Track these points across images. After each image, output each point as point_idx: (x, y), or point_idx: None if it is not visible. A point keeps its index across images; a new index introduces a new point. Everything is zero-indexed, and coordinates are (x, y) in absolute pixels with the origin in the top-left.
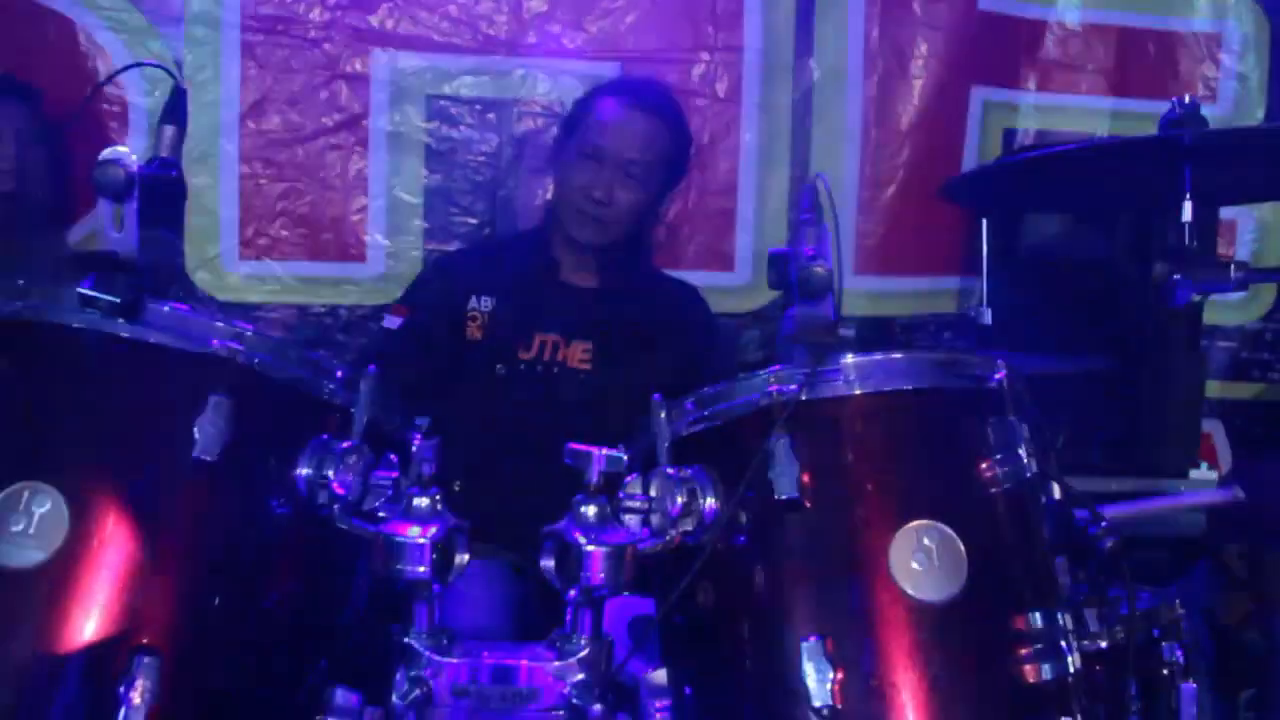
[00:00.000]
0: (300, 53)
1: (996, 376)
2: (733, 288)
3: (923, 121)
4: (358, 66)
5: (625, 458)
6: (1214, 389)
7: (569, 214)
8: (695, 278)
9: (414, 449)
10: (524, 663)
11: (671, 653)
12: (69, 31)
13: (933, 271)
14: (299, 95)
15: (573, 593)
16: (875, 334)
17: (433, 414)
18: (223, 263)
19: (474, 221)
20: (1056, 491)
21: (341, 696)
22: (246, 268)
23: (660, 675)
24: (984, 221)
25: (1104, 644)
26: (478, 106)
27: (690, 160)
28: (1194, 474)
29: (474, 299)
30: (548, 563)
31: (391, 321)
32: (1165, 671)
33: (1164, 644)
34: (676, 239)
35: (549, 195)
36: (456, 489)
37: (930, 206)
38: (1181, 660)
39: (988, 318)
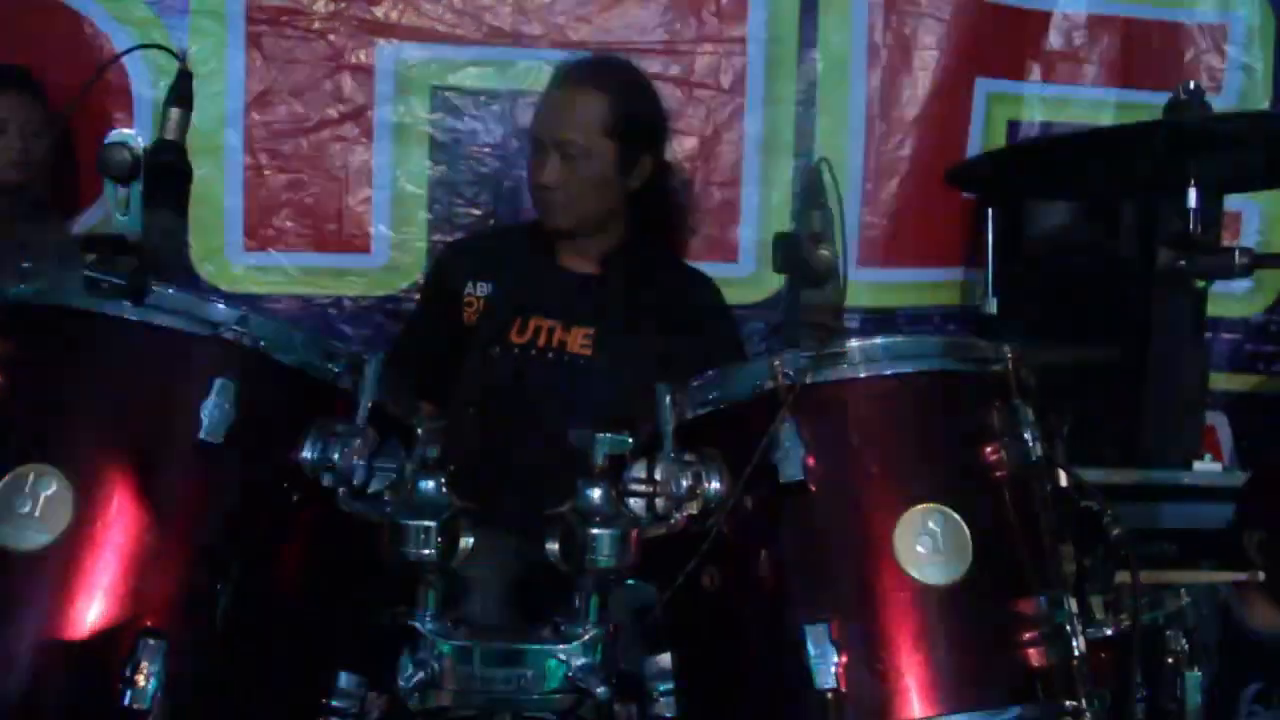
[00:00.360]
0: (305, 44)
1: (1002, 361)
2: (737, 279)
3: (927, 113)
4: (362, 58)
5: (630, 440)
6: (1218, 381)
7: (534, 205)
8: (702, 269)
9: (419, 432)
10: (529, 646)
11: (676, 637)
12: (74, 23)
13: (936, 263)
14: (303, 87)
15: (578, 576)
16: (878, 326)
17: (436, 400)
18: (227, 254)
19: (478, 213)
20: (1063, 479)
21: (346, 680)
22: (251, 259)
23: (664, 659)
24: (990, 211)
25: (1109, 631)
26: (482, 97)
27: (657, 126)
28: (1198, 465)
29: (471, 284)
30: (552, 546)
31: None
32: (1170, 659)
33: (1169, 632)
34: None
35: None
36: (451, 470)
37: (934, 198)
38: (1187, 648)
39: (993, 307)
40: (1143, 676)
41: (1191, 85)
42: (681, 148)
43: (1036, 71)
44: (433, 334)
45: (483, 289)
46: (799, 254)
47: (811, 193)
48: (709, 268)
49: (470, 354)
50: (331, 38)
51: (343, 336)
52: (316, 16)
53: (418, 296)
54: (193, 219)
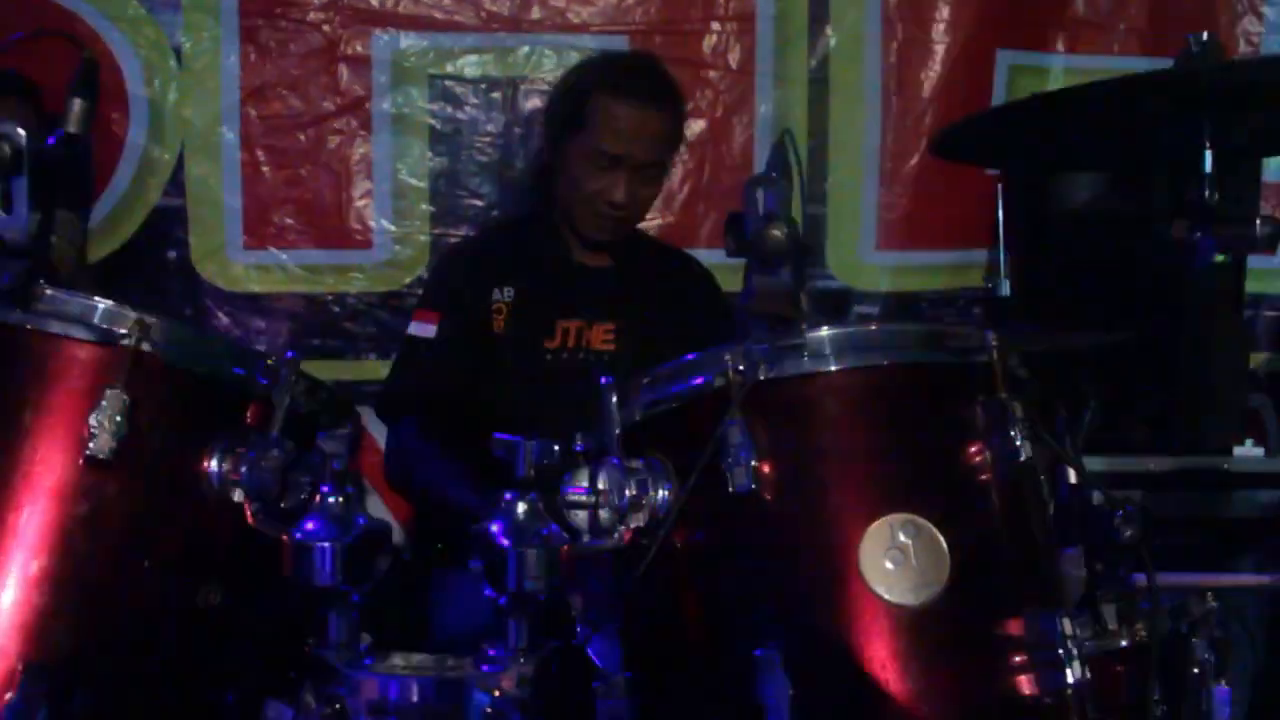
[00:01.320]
0: (300, 36)
1: (986, 350)
2: None
3: (946, 88)
4: (358, 48)
5: (557, 448)
6: (1260, 361)
7: (583, 216)
8: (710, 256)
9: (322, 442)
10: (446, 676)
11: (627, 660)
12: (66, 22)
13: (960, 244)
14: (299, 80)
15: (504, 598)
16: (901, 311)
17: (466, 412)
18: (228, 253)
19: (481, 204)
20: (1072, 476)
21: (273, 711)
22: (251, 257)
23: (618, 683)
24: (999, 185)
25: (1124, 643)
26: (482, 86)
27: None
28: (1239, 451)
29: (496, 290)
30: (476, 565)
31: (423, 329)
32: (1195, 671)
33: (1194, 641)
34: (691, 216)
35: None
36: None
37: (955, 176)
38: (1213, 659)
39: (1005, 289)
40: (1162, 692)
41: (1205, 37)
42: (690, 131)
43: (1061, 41)
44: (464, 349)
45: (508, 294)
46: (748, 235)
47: (770, 167)
48: (720, 255)
49: (502, 364)
50: (326, 28)
51: (346, 334)
52: (311, 7)
53: (421, 300)
54: (192, 218)
